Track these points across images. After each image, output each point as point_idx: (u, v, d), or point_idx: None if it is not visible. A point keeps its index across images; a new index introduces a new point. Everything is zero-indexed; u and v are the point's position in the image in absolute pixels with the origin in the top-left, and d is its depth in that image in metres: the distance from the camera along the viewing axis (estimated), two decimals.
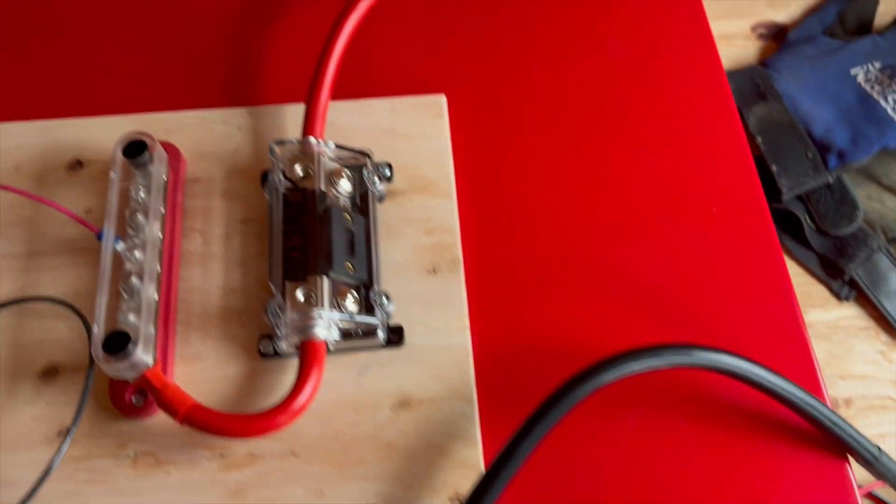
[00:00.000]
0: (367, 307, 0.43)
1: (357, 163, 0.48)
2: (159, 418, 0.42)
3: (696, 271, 0.52)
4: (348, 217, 0.44)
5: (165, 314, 0.43)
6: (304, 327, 0.40)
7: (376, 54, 0.57)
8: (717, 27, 0.91)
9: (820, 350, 0.67)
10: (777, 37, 0.89)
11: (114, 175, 0.44)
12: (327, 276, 0.42)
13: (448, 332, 0.46)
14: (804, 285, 0.71)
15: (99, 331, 0.39)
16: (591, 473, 0.45)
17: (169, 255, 0.45)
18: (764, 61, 0.82)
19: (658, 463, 0.45)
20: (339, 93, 0.51)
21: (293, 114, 0.52)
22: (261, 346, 0.43)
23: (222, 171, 0.50)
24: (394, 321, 0.45)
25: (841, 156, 0.70)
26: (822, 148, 0.72)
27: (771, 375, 0.42)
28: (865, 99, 0.73)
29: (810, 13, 0.91)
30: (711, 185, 0.55)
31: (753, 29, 0.90)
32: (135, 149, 0.45)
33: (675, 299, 0.51)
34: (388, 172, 0.49)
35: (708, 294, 0.51)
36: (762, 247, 0.53)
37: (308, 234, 0.42)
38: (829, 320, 0.70)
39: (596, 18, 0.61)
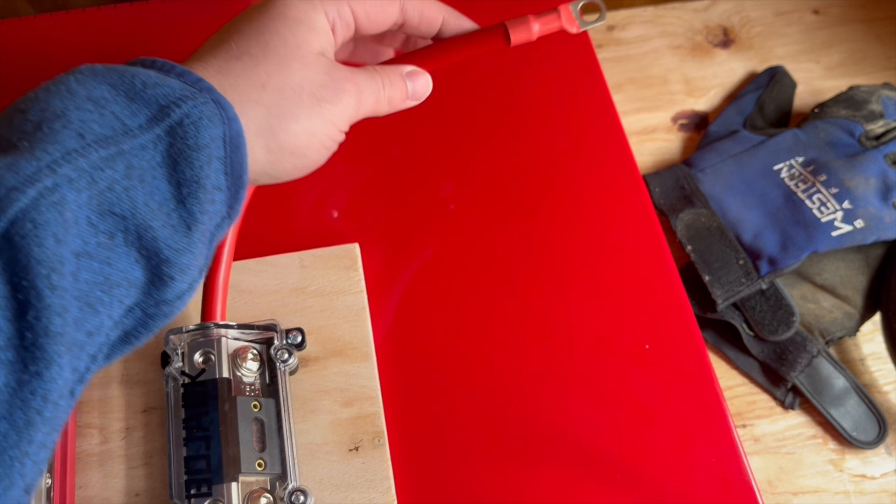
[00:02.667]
0: None
1: (264, 336, 0.46)
2: None
3: (633, 419, 0.51)
4: (257, 405, 0.42)
5: None
6: None
7: (282, 207, 0.55)
8: (637, 121, 0.92)
9: (770, 465, 0.66)
10: (699, 126, 0.90)
11: None
12: (236, 482, 0.39)
13: None
14: (748, 395, 0.71)
15: None
16: None
17: (62, 460, 0.42)
18: (687, 160, 0.82)
19: None
20: (243, 250, 0.49)
21: None
22: None
23: None
24: None
25: (772, 262, 0.71)
26: (753, 254, 0.72)
27: None
28: (791, 198, 0.74)
29: (729, 100, 0.93)
30: (644, 322, 0.54)
31: (674, 120, 0.91)
32: None
33: (614, 450, 0.49)
34: (299, 339, 0.47)
35: (647, 442, 0.50)
36: (699, 382, 0.52)
37: (211, 438, 0.40)
38: (776, 431, 0.69)
39: (507, 151, 0.61)
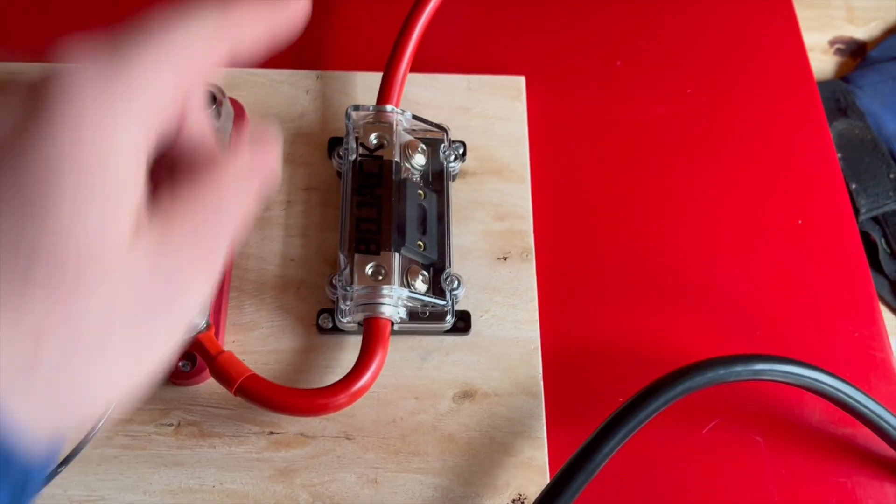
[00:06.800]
0: (436, 290, 0.41)
1: (432, 137, 0.46)
2: (206, 386, 0.40)
3: (778, 283, 0.50)
4: (422, 193, 0.42)
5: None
6: (372, 303, 0.38)
7: (458, 30, 0.55)
8: None
9: None
10: (855, 53, 0.87)
11: None
12: (399, 252, 0.39)
13: (517, 323, 0.44)
14: None
15: None
16: (663, 486, 0.42)
17: None
18: (845, 76, 0.79)
19: (732, 477, 0.43)
20: (415, 65, 0.49)
21: (365, 82, 0.50)
22: (320, 321, 0.41)
23: (286, 135, 0.48)
24: (460, 306, 0.43)
25: None
26: None
27: (854, 392, 0.40)
28: None
29: (891, 32, 0.89)
30: (798, 197, 0.53)
31: (831, 43, 0.88)
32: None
33: (756, 310, 0.49)
34: (461, 150, 0.47)
35: (790, 307, 0.49)
36: (848, 260, 0.51)
37: (381, 207, 0.40)
38: None
39: (685, 19, 0.59)
